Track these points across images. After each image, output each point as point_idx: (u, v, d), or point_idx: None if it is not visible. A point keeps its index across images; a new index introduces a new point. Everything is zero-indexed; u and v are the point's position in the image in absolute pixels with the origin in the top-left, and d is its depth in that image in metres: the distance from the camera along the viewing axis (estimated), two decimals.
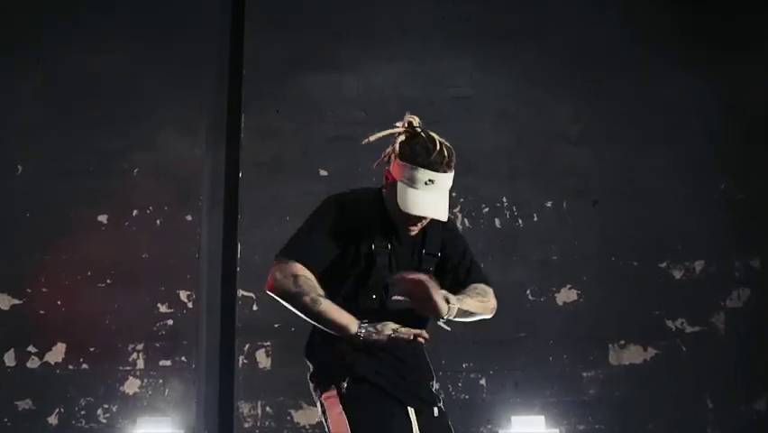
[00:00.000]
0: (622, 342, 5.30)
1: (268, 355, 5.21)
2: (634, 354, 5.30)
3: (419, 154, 2.38)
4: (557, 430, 5.11)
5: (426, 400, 2.55)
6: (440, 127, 5.38)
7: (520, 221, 5.45)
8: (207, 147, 5.51)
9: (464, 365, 5.22)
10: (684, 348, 5.31)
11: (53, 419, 5.20)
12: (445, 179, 2.45)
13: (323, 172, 5.48)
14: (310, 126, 5.54)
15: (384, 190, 2.59)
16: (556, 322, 5.28)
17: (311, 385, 2.60)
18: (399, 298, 2.33)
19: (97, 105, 5.50)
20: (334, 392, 2.40)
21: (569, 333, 5.27)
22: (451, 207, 5.49)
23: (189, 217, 5.39)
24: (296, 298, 2.42)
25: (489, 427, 5.16)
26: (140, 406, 5.19)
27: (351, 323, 2.37)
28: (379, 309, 2.43)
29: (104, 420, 5.19)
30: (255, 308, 5.26)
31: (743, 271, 5.41)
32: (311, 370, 2.61)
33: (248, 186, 5.42)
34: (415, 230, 2.49)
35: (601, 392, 5.24)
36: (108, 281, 5.32)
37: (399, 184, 2.40)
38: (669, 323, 5.34)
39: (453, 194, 5.28)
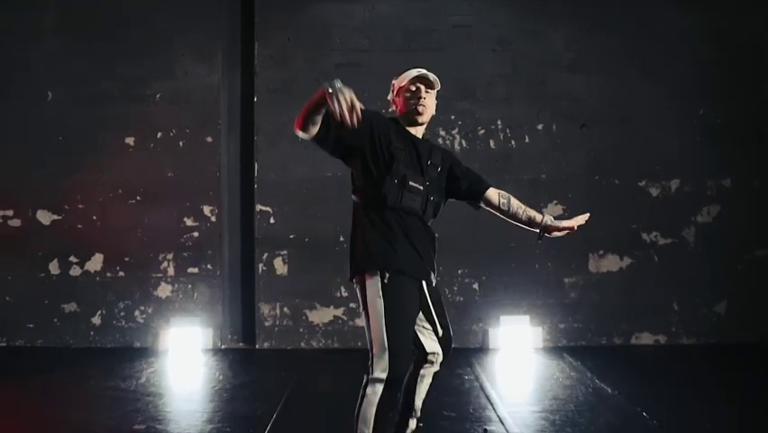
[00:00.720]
0: (601, 252, 5.87)
1: (284, 263, 5.78)
2: (611, 263, 5.88)
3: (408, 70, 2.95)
4: (540, 328, 5.77)
5: (432, 273, 2.97)
6: (441, 54, 5.84)
7: (513, 142, 5.90)
8: (224, 74, 5.88)
9: (459, 271, 5.81)
10: (656, 258, 5.88)
11: (96, 320, 5.86)
12: (432, 82, 2.93)
13: None
14: (319, 54, 5.86)
15: (397, 116, 3.05)
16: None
17: (351, 268, 2.92)
18: None
19: (120, 36, 5.83)
20: (377, 279, 2.75)
21: (553, 243, 5.71)
22: (449, 128, 5.95)
23: (210, 139, 5.84)
24: (301, 113, 2.75)
25: (481, 325, 5.80)
26: (172, 308, 5.83)
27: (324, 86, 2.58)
28: (398, 194, 2.81)
29: (140, 320, 5.85)
30: (272, 221, 5.79)
31: (714, 189, 5.89)
32: (354, 256, 2.92)
33: (263, 110, 5.81)
34: (421, 109, 2.91)
35: (580, 296, 5.84)
36: (138, 198, 5.84)
37: (402, 85, 2.94)
38: (644, 236, 5.88)
39: (452, 117, 5.81)
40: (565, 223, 3.13)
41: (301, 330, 5.79)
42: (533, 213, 3.16)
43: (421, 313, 2.91)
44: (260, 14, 5.81)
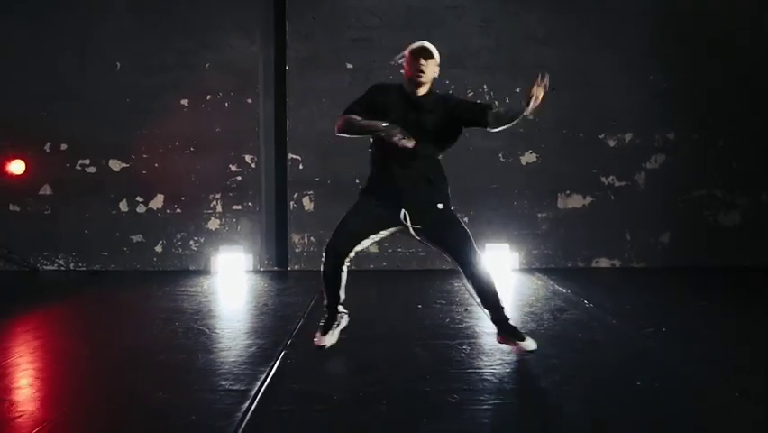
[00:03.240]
0: (567, 192, 7.18)
1: (311, 201, 7.11)
2: (576, 201, 7.18)
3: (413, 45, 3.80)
4: (517, 254, 7.10)
5: (423, 201, 3.88)
6: (437, 30, 7.15)
7: (496, 102, 7.14)
8: (261, 46, 7.15)
9: (452, 207, 7.08)
10: (613, 197, 7.18)
11: (158, 248, 7.21)
12: (430, 52, 3.73)
13: (348, 65, 7.14)
14: (338, 30, 7.11)
15: (403, 81, 3.96)
16: (520, 177, 7.10)
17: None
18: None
19: (176, 15, 7.08)
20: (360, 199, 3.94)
21: (529, 184, 7.10)
22: (442, 91, 7.14)
23: (249, 101, 7.13)
24: (346, 125, 3.82)
25: None
26: (220, 238, 7.16)
27: (378, 127, 3.63)
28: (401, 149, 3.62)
29: (194, 249, 7.20)
30: (301, 167, 7.10)
31: (661, 141, 7.17)
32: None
33: (293, 76, 7.09)
34: (421, 77, 3.66)
35: (551, 228, 7.16)
36: (191, 149, 7.15)
37: (408, 56, 3.76)
38: (603, 179, 7.18)
39: (447, 81, 7.08)
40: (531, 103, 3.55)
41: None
42: (508, 115, 3.76)
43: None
44: None
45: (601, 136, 7.18)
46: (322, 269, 3.93)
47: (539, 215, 7.17)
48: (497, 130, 3.82)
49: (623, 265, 7.18)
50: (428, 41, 6.95)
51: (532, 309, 5.08)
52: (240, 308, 5.59)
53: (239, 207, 7.16)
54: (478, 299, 3.88)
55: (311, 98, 7.05)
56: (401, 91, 3.84)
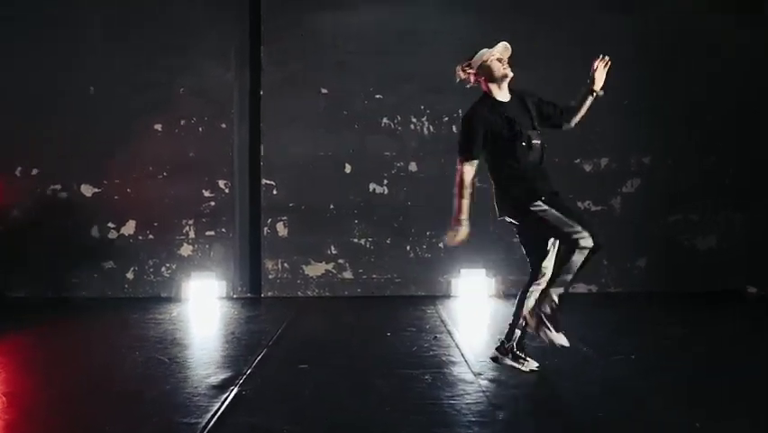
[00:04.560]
0: None
1: (285, 226, 7.03)
2: None
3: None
4: (494, 279, 7.04)
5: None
6: (416, 53, 7.05)
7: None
8: (236, 72, 7.12)
9: (427, 233, 7.07)
10: None
11: (130, 275, 7.09)
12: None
13: (323, 90, 7.12)
14: (314, 54, 7.08)
15: (485, 93, 4.06)
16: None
17: (511, 212, 4.05)
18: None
19: (150, 38, 7.04)
20: (539, 202, 3.84)
21: None
22: (419, 116, 7.12)
23: (224, 126, 7.08)
24: (460, 188, 4.00)
25: (446, 276, 7.06)
26: (192, 265, 7.05)
27: (461, 218, 4.02)
28: (526, 152, 3.86)
29: (167, 275, 7.09)
30: (275, 192, 7.03)
31: (636, 165, 7.17)
32: (509, 199, 4.02)
33: (268, 101, 7.05)
34: (508, 69, 3.98)
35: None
36: (165, 174, 7.07)
37: (488, 64, 4.04)
38: (579, 203, 7.12)
39: (422, 106, 7.05)
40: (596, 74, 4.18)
41: (299, 281, 7.05)
42: (578, 101, 4.21)
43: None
44: (266, 22, 7.03)
45: (577, 161, 7.17)
46: (582, 260, 3.85)
47: (515, 240, 7.03)
48: (574, 122, 4.21)
49: (600, 290, 7.12)
50: (406, 65, 7.02)
51: (502, 337, 4.98)
52: (205, 336, 5.49)
53: (212, 233, 7.08)
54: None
55: (285, 123, 7.02)
56: (494, 103, 3.98)
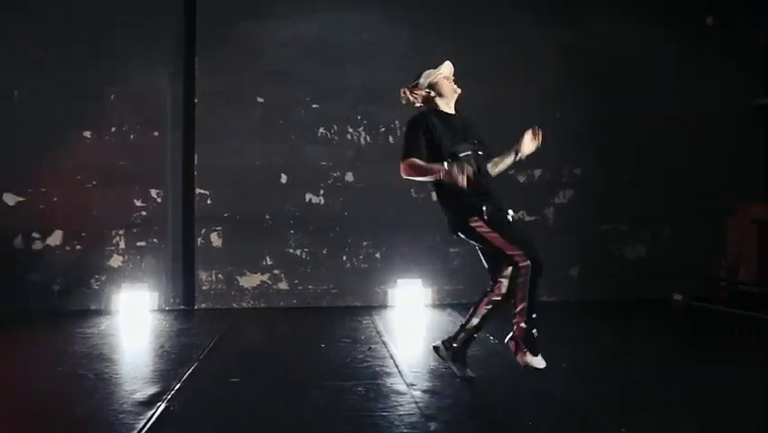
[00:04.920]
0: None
1: (219, 237, 6.90)
2: None
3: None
4: (429, 289, 7.07)
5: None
6: (353, 65, 7.03)
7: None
8: (169, 79, 6.96)
9: (364, 243, 7.06)
10: None
11: (56, 287, 6.82)
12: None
13: (260, 99, 7.04)
14: (250, 63, 7.00)
15: (431, 108, 4.11)
16: (431, 212, 7.04)
17: (452, 226, 4.02)
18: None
19: (80, 42, 6.81)
20: (477, 218, 3.82)
21: (440, 220, 7.04)
22: (356, 126, 7.10)
23: (156, 133, 6.92)
24: (412, 171, 3.88)
25: (382, 287, 7.06)
26: (122, 276, 6.85)
27: (442, 165, 3.77)
28: (455, 160, 3.80)
29: (95, 287, 6.86)
30: (209, 202, 6.90)
31: (568, 177, 7.35)
32: (451, 215, 4.00)
33: (202, 110, 6.92)
34: (457, 92, 4.14)
35: (462, 263, 7.14)
36: (94, 183, 6.85)
37: (437, 81, 4.12)
38: (513, 214, 7.26)
39: (359, 117, 7.04)
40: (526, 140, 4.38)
41: (233, 293, 6.93)
42: (501, 156, 4.33)
43: None
44: (201, 29, 6.90)
45: (511, 172, 7.26)
46: (527, 281, 3.86)
47: (451, 250, 7.18)
48: (493, 174, 4.27)
49: None
50: (344, 75, 6.99)
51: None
52: (134, 350, 5.31)
53: (143, 244, 6.88)
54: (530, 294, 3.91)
55: (221, 132, 6.91)
56: (441, 115, 4.06)
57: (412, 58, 7.14)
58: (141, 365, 4.59)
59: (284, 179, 6.98)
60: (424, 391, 3.82)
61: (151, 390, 3.82)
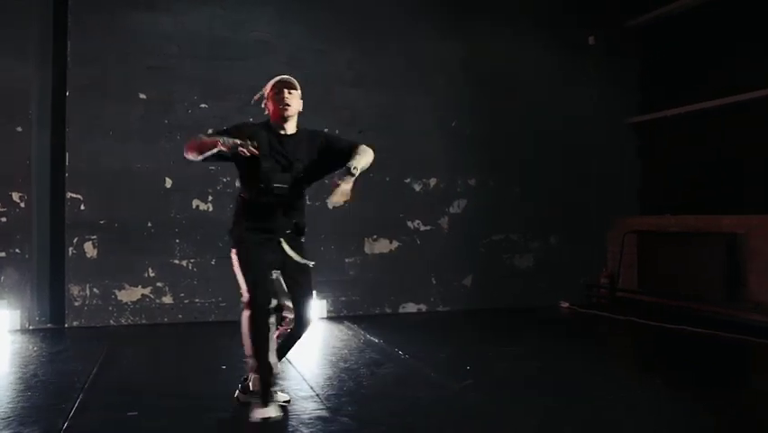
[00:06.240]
0: (375, 236, 7.06)
1: (95, 247, 6.21)
2: (383, 246, 7.09)
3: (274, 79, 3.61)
4: (325, 301, 6.80)
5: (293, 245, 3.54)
6: (243, 64, 6.68)
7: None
8: (35, 68, 6.17)
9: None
10: (419, 241, 7.20)
11: None
12: (293, 84, 3.58)
13: (141, 96, 6.42)
14: (130, 56, 6.37)
15: (269, 118, 3.59)
16: (327, 222, 6.81)
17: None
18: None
19: None
20: (236, 250, 3.45)
21: (336, 230, 6.84)
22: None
23: (19, 129, 6.10)
24: (192, 141, 3.43)
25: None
26: None
27: (217, 138, 3.34)
28: (266, 191, 3.42)
29: None
30: (82, 207, 6.18)
31: (463, 187, 7.36)
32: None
33: (74, 104, 6.18)
34: (288, 109, 3.50)
35: (358, 274, 6.97)
36: None
37: (270, 91, 3.59)
38: (409, 223, 7.17)
39: (251, 118, 6.56)
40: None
41: (110, 308, 6.26)
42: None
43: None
44: (73, 15, 6.18)
45: (407, 180, 7.19)
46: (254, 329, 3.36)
47: (346, 260, 6.95)
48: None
49: (429, 309, 7.19)
50: (232, 74, 6.51)
51: (347, 365, 4.76)
52: (1, 381, 4.55)
53: (3, 255, 6.04)
54: (278, 352, 3.49)
55: (96, 130, 6.22)
56: (269, 128, 3.59)
57: (303, 60, 6.86)
58: (15, 401, 3.92)
59: (168, 183, 6.42)
60: (350, 418, 3.55)
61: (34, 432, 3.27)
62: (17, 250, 6.10)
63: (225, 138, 3.34)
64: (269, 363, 3.35)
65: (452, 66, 7.36)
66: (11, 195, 6.06)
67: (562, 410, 3.74)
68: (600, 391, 4.20)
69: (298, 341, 3.68)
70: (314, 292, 3.83)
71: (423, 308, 7.18)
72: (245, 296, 3.41)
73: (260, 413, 3.32)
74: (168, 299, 6.43)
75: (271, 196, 3.48)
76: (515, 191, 7.52)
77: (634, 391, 4.20)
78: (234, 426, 3.50)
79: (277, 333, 3.46)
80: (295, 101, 3.59)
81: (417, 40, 7.24)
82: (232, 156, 3.38)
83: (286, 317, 3.49)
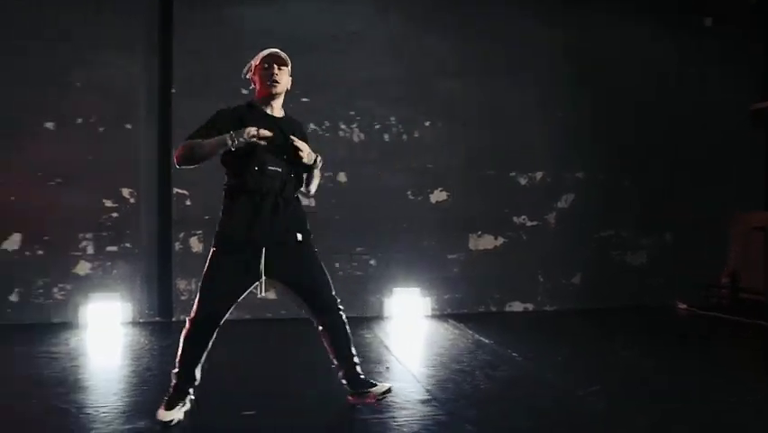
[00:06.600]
0: (479, 232, 6.81)
1: (200, 241, 6.25)
2: (487, 242, 6.83)
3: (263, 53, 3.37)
4: (428, 298, 6.61)
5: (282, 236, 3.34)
6: (342, 57, 6.52)
7: (404, 136, 6.70)
8: (143, 65, 6.29)
9: (358, 249, 6.54)
10: (525, 237, 6.90)
11: (14, 297, 6.06)
12: (283, 59, 3.34)
13: (244, 91, 6.40)
14: (233, 50, 6.35)
15: (254, 96, 3.39)
16: (430, 216, 6.65)
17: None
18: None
19: (40, 22, 6.06)
20: (215, 249, 3.38)
21: (439, 224, 6.66)
22: (349, 123, 6.62)
23: (129, 126, 6.24)
24: (187, 152, 3.29)
25: (378, 296, 6.56)
26: (91, 285, 6.14)
27: (225, 137, 3.17)
28: (261, 174, 3.23)
29: (60, 297, 6.13)
30: (188, 203, 6.25)
31: (570, 180, 7.00)
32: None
33: (180, 100, 6.24)
34: (277, 86, 3.27)
35: (462, 271, 6.75)
36: (58, 180, 6.11)
37: (257, 64, 3.37)
38: (514, 218, 6.88)
39: (352, 112, 6.52)
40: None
41: None
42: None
43: None
44: (178, 12, 6.25)
45: (512, 174, 6.90)
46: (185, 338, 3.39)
47: (449, 257, 6.74)
48: (313, 190, 3.57)
49: (536, 308, 6.88)
50: (334, 67, 6.37)
51: (460, 366, 4.54)
52: (116, 374, 4.53)
53: (114, 249, 6.19)
54: (332, 352, 3.49)
55: (200, 125, 6.24)
56: (254, 108, 3.37)
57: (403, 51, 6.68)
58: (131, 395, 3.95)
59: None
60: (470, 423, 3.35)
61: (151, 426, 3.24)
62: (128, 244, 6.23)
63: (233, 134, 3.16)
64: (193, 375, 3.35)
65: (557, 54, 7.00)
66: (121, 191, 6.20)
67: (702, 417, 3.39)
68: (722, 393, 3.85)
69: (347, 328, 3.56)
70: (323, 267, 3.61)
71: (530, 307, 6.87)
72: (194, 309, 3.34)
73: (162, 415, 3.22)
74: (271, 294, 6.38)
75: (266, 178, 3.26)
76: (625, 185, 7.09)
77: (761, 394, 3.85)
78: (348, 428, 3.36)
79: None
80: (284, 77, 3.34)
81: (521, 27, 6.92)
82: (235, 149, 3.19)
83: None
